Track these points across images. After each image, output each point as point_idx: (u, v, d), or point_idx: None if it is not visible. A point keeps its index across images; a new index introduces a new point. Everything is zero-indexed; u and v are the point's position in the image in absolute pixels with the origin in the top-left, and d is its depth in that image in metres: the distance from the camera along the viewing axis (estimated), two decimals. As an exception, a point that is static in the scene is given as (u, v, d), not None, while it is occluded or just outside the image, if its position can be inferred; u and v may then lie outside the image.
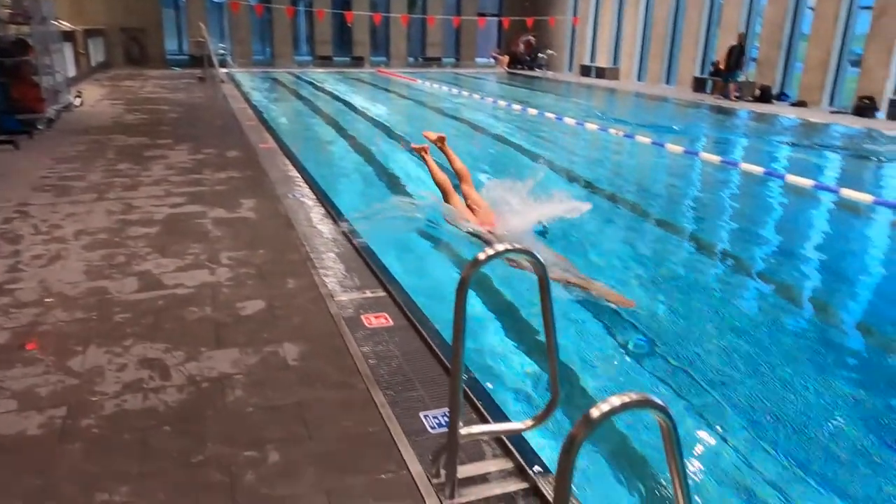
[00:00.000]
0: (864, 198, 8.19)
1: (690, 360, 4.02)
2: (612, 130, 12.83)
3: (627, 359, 4.07)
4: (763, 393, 3.69)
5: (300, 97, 18.05)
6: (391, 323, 3.83)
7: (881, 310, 5.22)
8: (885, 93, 16.16)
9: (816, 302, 5.31)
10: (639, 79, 24.58)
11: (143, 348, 3.43)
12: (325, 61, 27.31)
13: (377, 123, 13.63)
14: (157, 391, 3.03)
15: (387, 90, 20.59)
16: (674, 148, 11.19)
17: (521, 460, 2.58)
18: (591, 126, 13.43)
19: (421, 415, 2.91)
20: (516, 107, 16.27)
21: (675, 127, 14.49)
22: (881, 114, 15.99)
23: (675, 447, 1.69)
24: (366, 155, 10.37)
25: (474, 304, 4.67)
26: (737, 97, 18.94)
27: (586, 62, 26.98)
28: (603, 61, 25.97)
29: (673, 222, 7.25)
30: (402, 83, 22.53)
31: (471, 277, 2.19)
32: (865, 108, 16.14)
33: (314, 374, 3.24)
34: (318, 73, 24.51)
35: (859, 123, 14.93)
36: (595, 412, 1.57)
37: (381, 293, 4.27)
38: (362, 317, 3.89)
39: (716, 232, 7.05)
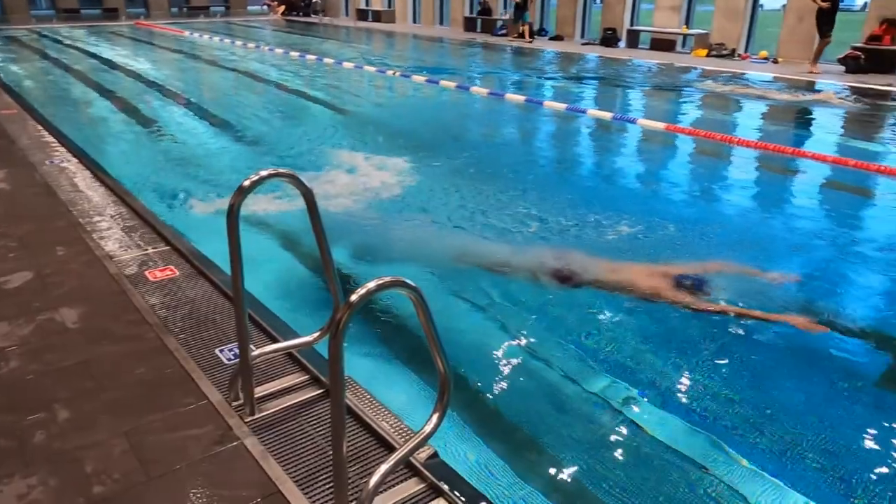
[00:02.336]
0: (605, 115, 9.42)
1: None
2: (389, 72, 13.14)
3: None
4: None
5: (47, 57, 16.02)
6: (177, 274, 3.81)
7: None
8: (624, 25, 18.22)
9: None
10: (414, 21, 25.09)
11: None
12: (71, 15, 24.29)
13: (145, 80, 12.63)
14: (-87, 377, 2.79)
15: (151, 44, 18.97)
16: (448, 84, 11.80)
17: (315, 371, 2.81)
18: (370, 69, 13.63)
19: (217, 350, 3.01)
20: (294, 54, 15.92)
21: (452, 65, 15.19)
22: (622, 43, 18.04)
23: (428, 321, 2.01)
24: (135, 114, 9.65)
25: (256, 238, 4.80)
26: (517, 36, 19.80)
27: (362, 6, 26.88)
28: (378, 4, 26.06)
29: (446, 147, 7.77)
30: (168, 36, 20.85)
31: (239, 204, 2.31)
32: (610, 38, 18.09)
33: (98, 332, 3.17)
34: (65, 30, 21.77)
35: (606, 53, 16.75)
36: (355, 297, 1.82)
37: (165, 247, 4.19)
38: (146, 272, 3.82)
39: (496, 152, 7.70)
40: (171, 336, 3.13)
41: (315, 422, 2.55)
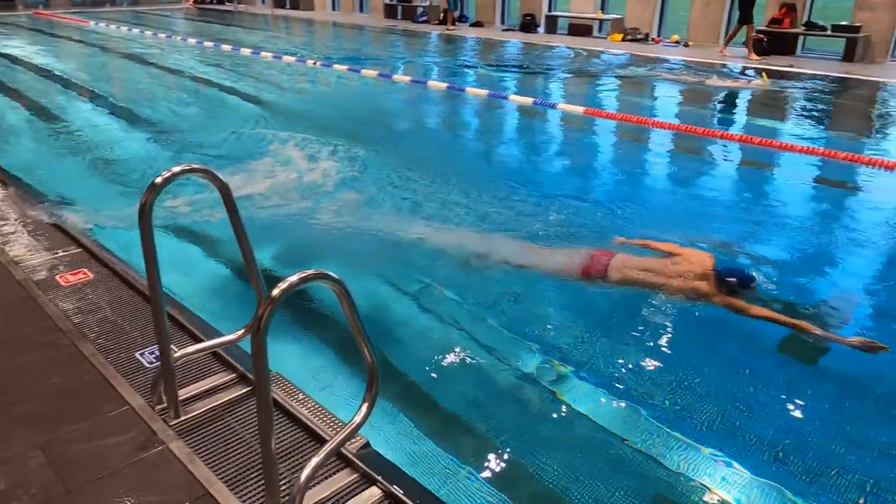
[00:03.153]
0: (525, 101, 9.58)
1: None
2: (309, 62, 12.91)
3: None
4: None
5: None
6: (91, 277, 3.65)
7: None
8: (542, 10, 18.50)
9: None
10: (333, 8, 24.66)
11: None
12: (-40, 5, 22.62)
13: (47, 74, 11.92)
14: None
15: (53, 35, 17.90)
16: (370, 73, 11.70)
17: (242, 369, 2.76)
18: (289, 59, 13.34)
19: (137, 354, 2.92)
20: (208, 44, 15.39)
21: (374, 53, 15.04)
22: (541, 29, 18.32)
23: (353, 312, 2.02)
24: (37, 110, 9.12)
25: (176, 237, 4.66)
26: (453, 23, 19.66)
27: (279, -7, 26.18)
28: (295, -9, 25.43)
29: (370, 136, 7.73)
30: (71, 26, 19.72)
31: (151, 202, 2.24)
32: (529, 24, 18.34)
33: (8, 342, 3.01)
34: (-47, 21, 20.26)
35: (526, 38, 16.97)
36: (276, 291, 1.80)
37: (76, 250, 4.01)
38: (57, 277, 3.64)
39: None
40: (87, 342, 3.00)
41: (243, 420, 2.52)
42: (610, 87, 11.49)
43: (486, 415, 3.04)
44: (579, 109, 9.08)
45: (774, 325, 3.63)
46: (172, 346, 2.48)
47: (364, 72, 11.77)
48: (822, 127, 8.84)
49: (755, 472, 2.67)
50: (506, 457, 2.76)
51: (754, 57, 13.50)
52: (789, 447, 2.81)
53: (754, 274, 4.06)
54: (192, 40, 16.28)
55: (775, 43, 13.98)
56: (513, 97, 9.89)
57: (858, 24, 13.35)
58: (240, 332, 2.65)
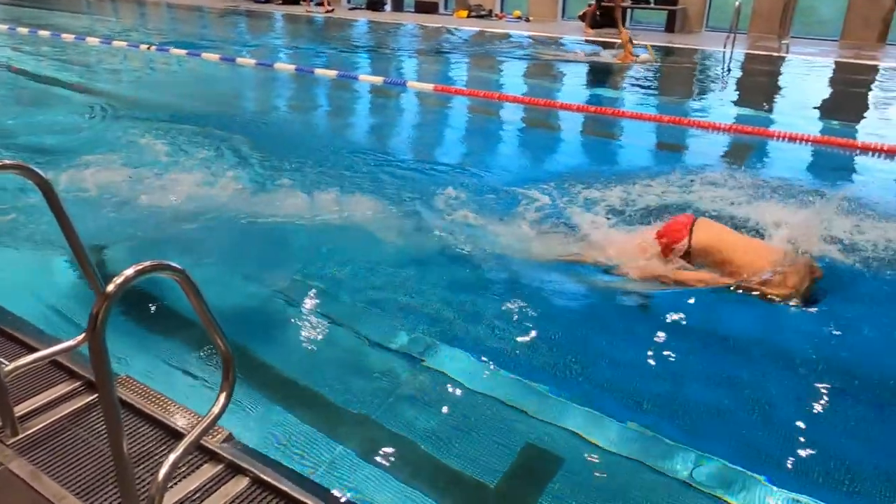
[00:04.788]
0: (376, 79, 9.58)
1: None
2: (143, 47, 12.05)
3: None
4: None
5: None
6: None
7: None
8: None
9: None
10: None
11: None
12: None
13: None
14: None
15: None
16: (211, 57, 11.14)
17: (87, 376, 2.59)
18: (120, 43, 12.38)
19: (-39, 374, 2.65)
20: (23, 30, 13.90)
21: (215, 36, 14.29)
22: (388, 7, 18.29)
23: (199, 301, 1.96)
24: None
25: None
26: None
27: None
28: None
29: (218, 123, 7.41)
30: None
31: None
32: (376, 2, 18.23)
33: None
34: None
35: (373, 17, 16.87)
36: (111, 287, 1.71)
37: None
38: None
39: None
40: None
41: (93, 429, 2.37)
42: (457, 63, 11.73)
43: (356, 392, 3.04)
44: (429, 87, 9.20)
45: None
46: (2, 360, 2.28)
47: (205, 55, 11.18)
48: (654, 92, 9.60)
49: (619, 417, 2.86)
50: (379, 431, 2.78)
51: (590, 31, 14.34)
52: (652, 395, 3.02)
53: None
54: (2, 27, 14.62)
55: (606, 16, 14.90)
56: (363, 76, 9.82)
57: (677, -2, 14.55)
58: (80, 337, 2.48)
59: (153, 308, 3.58)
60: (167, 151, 6.18)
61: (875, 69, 10.96)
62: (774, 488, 2.48)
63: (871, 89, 9.84)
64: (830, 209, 4.57)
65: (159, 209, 4.85)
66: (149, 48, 11.98)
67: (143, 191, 5.16)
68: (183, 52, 11.57)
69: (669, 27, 14.54)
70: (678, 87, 10.41)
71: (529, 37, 13.82)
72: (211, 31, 15.87)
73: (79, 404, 2.48)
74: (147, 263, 1.78)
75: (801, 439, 2.74)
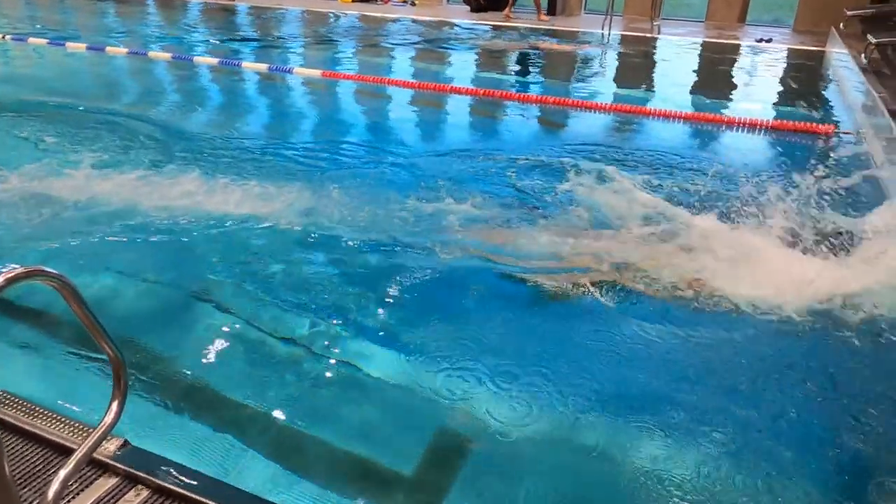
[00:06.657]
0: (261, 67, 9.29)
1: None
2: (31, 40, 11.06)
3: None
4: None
5: None
6: None
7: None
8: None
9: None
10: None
11: None
12: None
13: None
14: None
15: None
16: (77, 46, 10.38)
17: (-43, 397, 2.39)
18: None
19: None
20: None
21: (80, 23, 13.29)
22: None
23: (82, 308, 1.84)
24: None
25: None
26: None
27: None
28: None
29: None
30: None
31: None
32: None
33: None
34: None
35: (254, 1, 16.26)
36: (-24, 298, 1.58)
37: None
38: None
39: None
40: None
41: (-31, 453, 2.19)
42: (342, 49, 11.56)
43: (261, 389, 2.98)
44: (317, 73, 9.02)
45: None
46: None
47: (70, 45, 10.39)
48: (535, 75, 9.88)
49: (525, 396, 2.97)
50: (288, 429, 2.74)
51: (510, 15, 14.67)
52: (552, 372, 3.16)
53: None
54: None
55: (491, 1, 15.16)
56: (247, 64, 9.48)
57: (557, -18, 15.00)
58: (-54, 356, 2.28)
59: (31, 316, 3.34)
60: (32, 152, 5.73)
61: (737, 48, 11.81)
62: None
63: (733, 66, 10.61)
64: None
65: (35, 211, 4.51)
66: (3, 38, 10.99)
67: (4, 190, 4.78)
68: (43, 41, 10.70)
69: (551, 10, 14.97)
70: (562, 69, 10.77)
71: (415, 20, 13.82)
72: (76, 17, 14.75)
73: (-51, 429, 2.28)
74: (19, 269, 1.65)
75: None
